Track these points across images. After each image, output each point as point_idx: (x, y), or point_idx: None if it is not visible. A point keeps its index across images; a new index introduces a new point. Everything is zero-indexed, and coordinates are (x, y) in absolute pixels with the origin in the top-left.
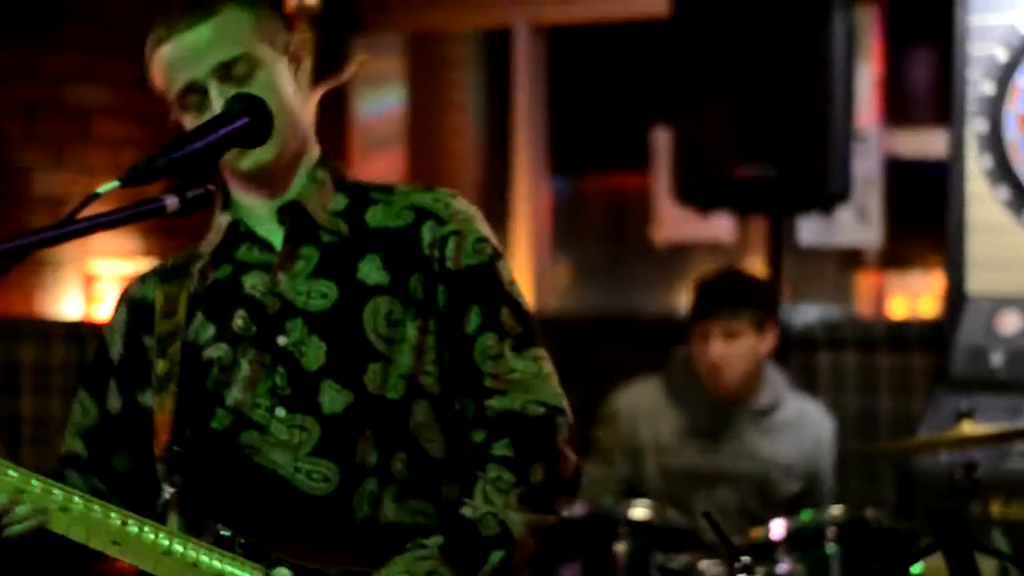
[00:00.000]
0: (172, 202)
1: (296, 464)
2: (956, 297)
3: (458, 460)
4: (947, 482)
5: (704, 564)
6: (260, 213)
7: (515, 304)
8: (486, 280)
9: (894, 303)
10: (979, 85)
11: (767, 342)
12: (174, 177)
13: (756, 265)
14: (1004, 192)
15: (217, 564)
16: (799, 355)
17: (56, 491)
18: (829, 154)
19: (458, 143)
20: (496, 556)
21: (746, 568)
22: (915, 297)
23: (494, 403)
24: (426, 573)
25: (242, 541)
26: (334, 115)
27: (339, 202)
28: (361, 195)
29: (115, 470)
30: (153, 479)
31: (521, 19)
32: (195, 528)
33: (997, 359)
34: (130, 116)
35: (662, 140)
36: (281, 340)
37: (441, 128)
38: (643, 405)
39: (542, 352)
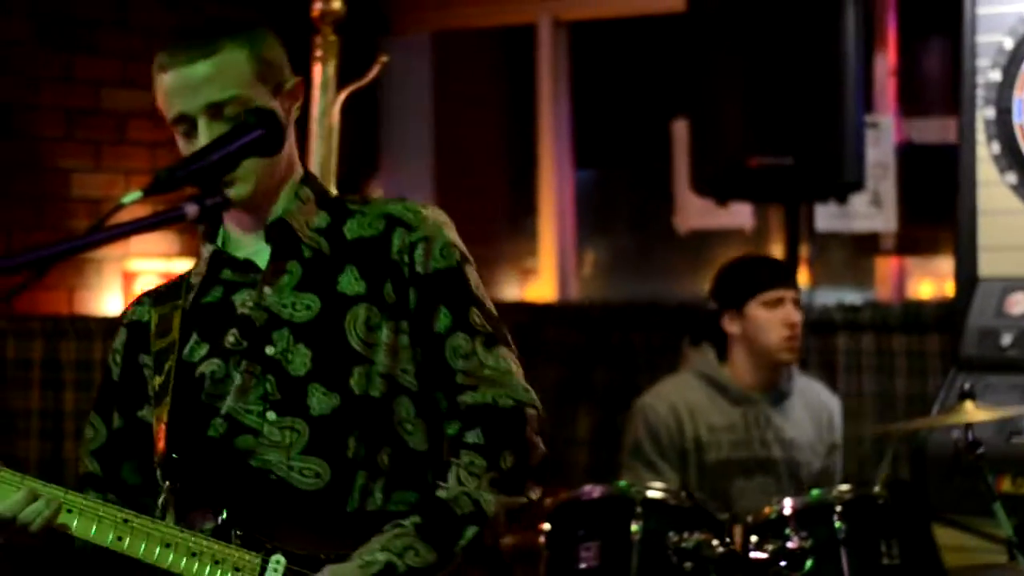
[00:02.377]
0: (192, 210)
1: (289, 463)
2: (967, 280)
3: (440, 452)
4: (953, 460)
5: (716, 542)
6: (244, 236)
7: (482, 306)
8: (454, 283)
9: (921, 286)
10: (987, 73)
11: None
12: (194, 186)
13: (776, 251)
14: (1013, 177)
15: (216, 552)
16: (818, 338)
17: (61, 493)
18: (843, 144)
19: (485, 138)
20: (470, 531)
21: (755, 546)
22: (942, 280)
23: (467, 398)
24: (403, 548)
25: (238, 532)
26: (364, 112)
27: (322, 219)
28: (341, 210)
29: (126, 482)
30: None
31: (544, 15)
32: (192, 526)
33: (1007, 339)
34: (165, 120)
35: (682, 132)
36: (269, 350)
37: (468, 123)
38: (681, 405)
39: (509, 351)
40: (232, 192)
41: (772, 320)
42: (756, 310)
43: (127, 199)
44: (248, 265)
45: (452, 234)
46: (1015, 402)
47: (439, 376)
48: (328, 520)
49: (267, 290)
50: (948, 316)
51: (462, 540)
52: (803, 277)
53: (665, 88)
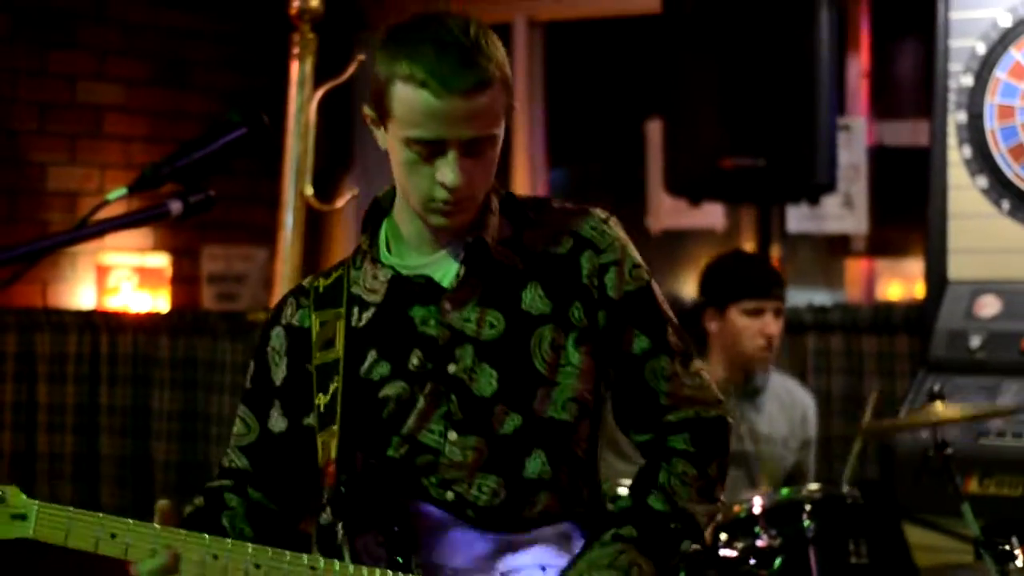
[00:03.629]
0: (176, 207)
1: (469, 480)
2: (937, 282)
3: (596, 460)
4: (922, 460)
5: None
6: (421, 246)
7: (673, 322)
8: (647, 304)
9: (890, 288)
10: (960, 78)
11: None
12: (178, 183)
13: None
14: (983, 181)
15: None
16: (788, 338)
17: (249, 550)
18: (816, 145)
19: None
20: (686, 545)
21: (725, 543)
22: (911, 282)
23: (671, 417)
24: (629, 564)
25: (418, 562)
26: (339, 109)
27: (506, 230)
28: (521, 217)
29: (279, 482)
30: (314, 489)
31: (520, 15)
32: (364, 553)
33: (976, 341)
34: (140, 113)
35: (655, 132)
36: (451, 368)
37: None
38: None
39: (701, 363)
40: (452, 221)
41: (750, 328)
42: (736, 315)
43: (112, 195)
44: (427, 282)
45: (635, 252)
46: (983, 403)
47: (637, 396)
48: (502, 535)
49: (447, 305)
50: (917, 318)
51: (679, 553)
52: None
53: (639, 88)
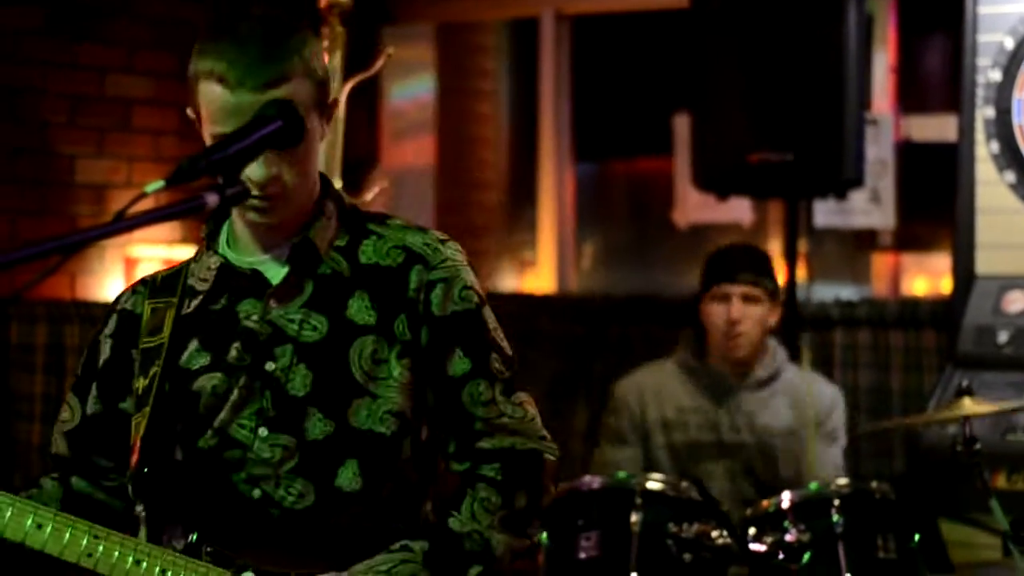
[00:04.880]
0: (212, 199)
1: (277, 480)
2: (965, 277)
3: (430, 483)
4: (950, 456)
5: (715, 533)
6: (255, 243)
7: (501, 350)
8: (473, 327)
9: (916, 283)
10: (988, 72)
11: (775, 314)
12: (214, 176)
13: (774, 246)
14: (1011, 176)
15: (186, 569)
16: (815, 333)
17: (31, 511)
18: (843, 140)
19: (486, 129)
20: (475, 570)
21: (754, 538)
22: (936, 277)
23: (484, 444)
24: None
25: (209, 549)
26: (366, 103)
27: (341, 238)
28: (359, 228)
29: (99, 466)
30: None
31: (547, 9)
32: (165, 541)
33: (1003, 337)
34: (169, 106)
35: (683, 126)
36: (269, 366)
37: (469, 115)
38: (648, 386)
39: (526, 396)
40: (267, 218)
41: (718, 315)
42: (707, 304)
43: (150, 188)
44: (255, 276)
45: (470, 275)
46: (1011, 399)
47: (454, 420)
48: (306, 540)
49: (272, 303)
50: (944, 313)
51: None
52: (801, 272)
53: (667, 82)
